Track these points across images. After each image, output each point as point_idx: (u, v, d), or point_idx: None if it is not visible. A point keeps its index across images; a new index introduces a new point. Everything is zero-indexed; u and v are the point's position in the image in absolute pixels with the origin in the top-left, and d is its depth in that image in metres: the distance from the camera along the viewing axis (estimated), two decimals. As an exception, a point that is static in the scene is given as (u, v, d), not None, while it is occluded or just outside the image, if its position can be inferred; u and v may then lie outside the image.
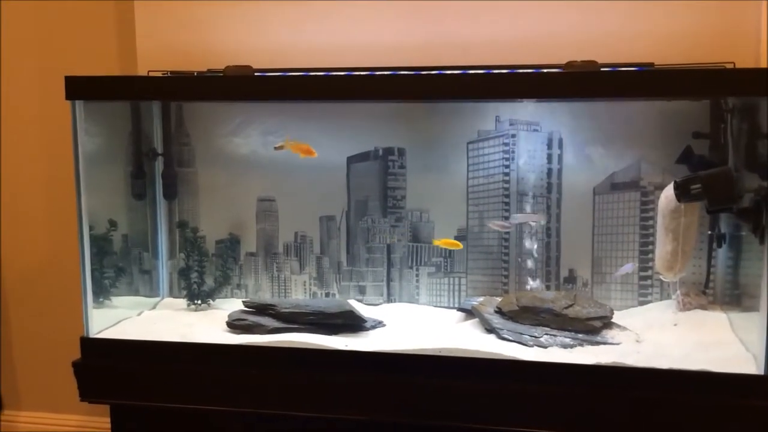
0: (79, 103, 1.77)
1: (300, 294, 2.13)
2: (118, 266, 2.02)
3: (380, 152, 2.05)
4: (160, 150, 2.10)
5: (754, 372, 1.55)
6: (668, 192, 1.73)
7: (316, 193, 2.08)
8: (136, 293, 2.10)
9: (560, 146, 1.95)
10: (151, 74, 1.90)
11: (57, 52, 2.29)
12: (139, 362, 1.77)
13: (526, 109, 1.95)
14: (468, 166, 2.01)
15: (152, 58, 2.09)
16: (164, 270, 2.15)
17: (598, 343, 1.71)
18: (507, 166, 1.99)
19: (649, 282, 1.94)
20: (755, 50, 1.88)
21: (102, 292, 1.97)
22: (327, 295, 2.12)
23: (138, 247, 2.11)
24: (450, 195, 2.03)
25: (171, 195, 2.12)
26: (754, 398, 1.53)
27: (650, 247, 1.91)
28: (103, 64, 2.23)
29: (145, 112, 2.09)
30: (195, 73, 1.94)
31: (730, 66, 1.70)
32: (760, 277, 1.56)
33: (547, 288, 1.99)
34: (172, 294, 2.15)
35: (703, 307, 1.84)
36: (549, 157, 1.96)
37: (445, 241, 1.99)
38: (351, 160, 2.06)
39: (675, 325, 1.79)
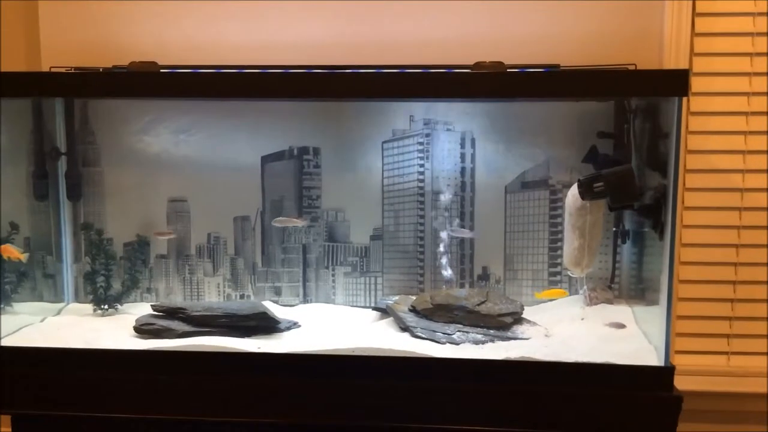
0: (-26, 100, 1.69)
1: (214, 296, 2.09)
2: (19, 271, 1.94)
3: (295, 151, 2.03)
4: (63, 149, 2.02)
5: (655, 363, 1.61)
6: (574, 190, 1.77)
7: (230, 193, 2.04)
8: (40, 298, 2.02)
9: (473, 145, 1.98)
10: (53, 70, 1.83)
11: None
12: (42, 370, 1.70)
13: (439, 109, 1.97)
14: (383, 165, 2.02)
15: (57, 54, 2.02)
16: (69, 274, 2.07)
17: (508, 339, 1.74)
18: (422, 165, 2.00)
19: (558, 278, 1.99)
20: (658, 52, 1.95)
21: (2, 298, 1.88)
22: (242, 297, 2.09)
23: (41, 251, 2.03)
24: (365, 194, 2.03)
25: (75, 196, 2.04)
26: (655, 389, 1.59)
27: (559, 243, 1.96)
28: (11, 61, 2.13)
29: (47, 110, 2.01)
30: (101, 70, 1.87)
31: (632, 68, 1.75)
32: (662, 272, 1.62)
33: (461, 286, 2.01)
34: (78, 299, 2.08)
35: (609, 302, 1.90)
36: (462, 156, 1.99)
37: (548, 293, 1.95)
38: (265, 159, 2.03)
39: (582, 319, 1.84)
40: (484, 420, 1.62)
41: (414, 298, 1.91)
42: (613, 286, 1.95)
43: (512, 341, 1.73)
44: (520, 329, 1.79)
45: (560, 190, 1.95)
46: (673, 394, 1.58)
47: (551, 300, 1.96)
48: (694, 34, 1.94)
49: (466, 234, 1.97)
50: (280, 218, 2.00)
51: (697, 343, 2.03)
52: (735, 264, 2.00)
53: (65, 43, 2.04)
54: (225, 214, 2.06)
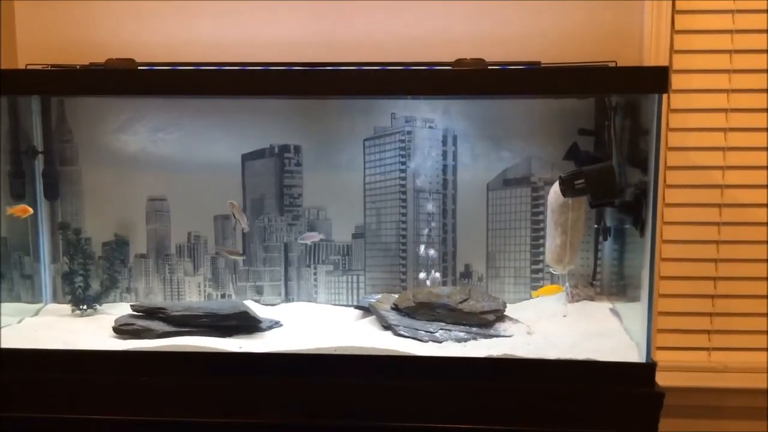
0: (-52, 99, 1.67)
1: (194, 296, 2.07)
2: (-5, 271, 1.91)
3: (276, 149, 2.02)
4: (40, 147, 1.99)
5: (636, 360, 1.62)
6: (556, 187, 1.77)
7: (210, 191, 2.02)
8: (17, 299, 1.99)
9: (455, 143, 1.98)
10: (29, 68, 1.80)
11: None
12: (19, 372, 1.68)
13: (421, 106, 1.97)
14: (365, 163, 2.01)
15: (34, 52, 2.00)
16: (47, 274, 2.04)
17: (491, 336, 1.74)
18: (403, 163, 2.00)
19: (540, 275, 1.99)
20: (638, 50, 1.95)
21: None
22: (223, 296, 2.07)
23: (18, 251, 1.99)
24: (347, 192, 2.02)
25: (53, 195, 2.02)
26: (637, 385, 1.59)
27: (541, 240, 1.96)
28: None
29: (23, 108, 1.98)
30: (77, 67, 1.85)
31: (612, 65, 1.75)
32: (643, 269, 1.62)
33: (444, 283, 2.01)
34: (56, 300, 2.05)
35: (590, 298, 1.91)
36: (444, 154, 1.98)
37: (543, 290, 1.96)
38: (246, 157, 2.02)
39: (564, 316, 1.85)
40: (466, 417, 1.62)
41: (396, 296, 1.90)
42: (594, 282, 1.95)
43: (495, 339, 1.73)
44: (502, 327, 1.79)
45: (542, 188, 1.95)
46: (655, 390, 1.59)
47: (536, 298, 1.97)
48: (674, 31, 1.94)
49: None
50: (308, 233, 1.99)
51: (679, 339, 2.04)
52: (715, 260, 2.01)
53: (42, 40, 2.02)
54: (205, 213, 2.04)
